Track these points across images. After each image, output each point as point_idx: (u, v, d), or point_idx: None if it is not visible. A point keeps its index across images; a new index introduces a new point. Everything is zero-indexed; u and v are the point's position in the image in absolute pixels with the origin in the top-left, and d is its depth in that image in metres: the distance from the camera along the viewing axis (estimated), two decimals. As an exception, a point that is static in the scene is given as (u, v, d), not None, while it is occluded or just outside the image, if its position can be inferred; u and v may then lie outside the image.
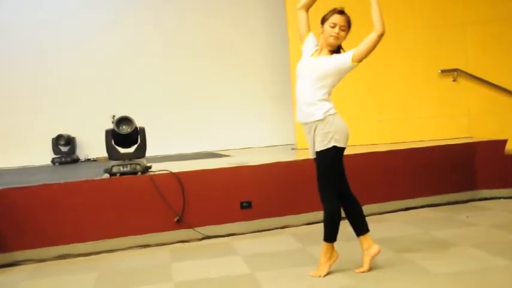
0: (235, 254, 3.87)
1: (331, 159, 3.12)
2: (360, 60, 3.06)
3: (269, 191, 4.61)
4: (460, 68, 6.16)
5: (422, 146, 5.42)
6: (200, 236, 4.36)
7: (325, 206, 3.17)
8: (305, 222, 4.62)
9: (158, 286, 3.25)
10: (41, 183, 4.24)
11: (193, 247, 4.20)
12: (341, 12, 3.13)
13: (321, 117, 3.08)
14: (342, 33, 3.12)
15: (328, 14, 3.16)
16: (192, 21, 7.44)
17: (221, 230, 4.43)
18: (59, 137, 6.95)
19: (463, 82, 6.20)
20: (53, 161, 6.97)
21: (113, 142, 4.45)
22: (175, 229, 4.34)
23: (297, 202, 4.67)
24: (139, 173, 4.39)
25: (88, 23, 7.26)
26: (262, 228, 4.52)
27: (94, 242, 4.15)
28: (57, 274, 3.68)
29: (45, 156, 7.02)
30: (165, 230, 4.32)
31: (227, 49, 7.52)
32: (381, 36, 2.99)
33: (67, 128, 7.08)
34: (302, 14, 3.31)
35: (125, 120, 4.40)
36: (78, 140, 7.23)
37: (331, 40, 3.12)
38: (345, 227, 3.27)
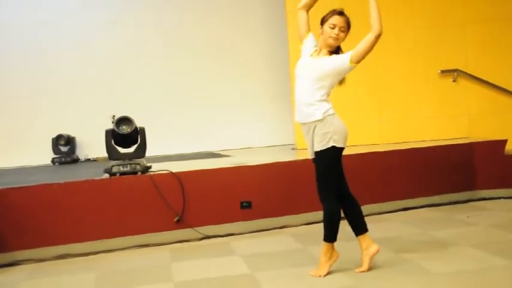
0: (235, 254, 3.87)
1: (330, 160, 3.12)
2: (358, 62, 3.06)
3: (269, 191, 4.62)
4: (460, 68, 6.16)
5: (422, 146, 5.42)
6: (200, 236, 4.37)
7: (324, 206, 3.17)
8: (305, 222, 4.62)
9: (158, 286, 3.26)
10: (41, 183, 4.24)
11: (193, 247, 4.20)
12: (340, 13, 3.14)
13: (320, 118, 3.09)
14: (342, 34, 3.13)
15: (327, 14, 3.17)
16: (192, 21, 7.44)
17: (221, 230, 4.43)
18: (59, 137, 6.96)
19: (463, 82, 6.20)
20: (53, 160, 6.97)
21: (112, 142, 4.46)
22: (175, 229, 4.34)
23: (297, 202, 4.67)
24: (139, 173, 4.39)
25: (88, 23, 7.26)
26: (262, 228, 4.53)
27: (94, 241, 4.16)
28: (57, 274, 3.68)
29: (45, 156, 7.02)
30: (165, 230, 4.33)
31: (227, 49, 7.52)
32: (378, 36, 2.99)
33: (67, 128, 7.09)
34: (302, 14, 3.31)
35: (124, 120, 4.40)
36: (78, 140, 7.23)
37: (331, 41, 3.13)
38: (345, 227, 3.27)
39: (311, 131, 3.15)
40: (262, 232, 4.48)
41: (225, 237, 4.37)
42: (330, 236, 3.17)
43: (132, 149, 4.55)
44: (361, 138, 5.93)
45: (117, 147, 4.48)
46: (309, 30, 3.31)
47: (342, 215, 3.23)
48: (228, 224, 4.47)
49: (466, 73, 6.16)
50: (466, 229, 4.16)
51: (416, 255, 3.49)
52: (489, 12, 6.18)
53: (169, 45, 7.40)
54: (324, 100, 3.12)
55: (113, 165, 4.37)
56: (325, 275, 3.16)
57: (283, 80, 7.02)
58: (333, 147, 3.09)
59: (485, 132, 5.98)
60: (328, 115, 3.10)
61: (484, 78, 6.12)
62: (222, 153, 6.73)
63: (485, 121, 6.12)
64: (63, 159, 6.95)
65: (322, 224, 3.21)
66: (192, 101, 7.39)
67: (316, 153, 3.15)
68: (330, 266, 3.21)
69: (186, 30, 7.44)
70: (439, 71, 6.19)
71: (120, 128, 4.37)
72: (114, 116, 4.49)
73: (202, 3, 7.50)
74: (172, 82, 7.38)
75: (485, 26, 6.17)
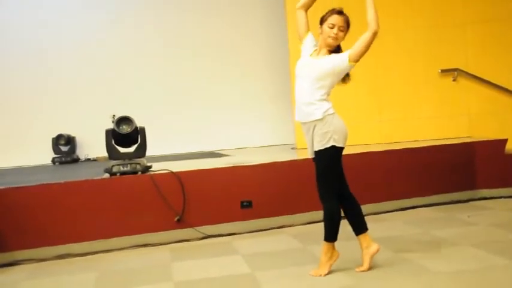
0: (235, 253, 3.87)
1: (330, 159, 3.12)
2: (357, 60, 3.06)
3: (269, 191, 4.62)
4: (460, 67, 6.16)
5: (422, 145, 5.42)
6: (200, 236, 4.36)
7: (324, 205, 3.17)
8: (305, 221, 4.62)
9: (158, 286, 3.25)
10: (41, 183, 4.24)
11: (193, 247, 4.20)
12: (340, 12, 3.13)
13: (319, 117, 3.08)
14: (341, 34, 3.12)
15: (326, 14, 3.16)
16: (192, 21, 7.44)
17: (221, 230, 4.43)
18: (59, 136, 6.96)
19: (463, 82, 6.20)
20: (53, 160, 6.97)
21: (113, 142, 4.45)
22: (176, 228, 4.34)
23: (297, 201, 4.67)
24: (140, 173, 4.39)
25: (88, 23, 7.26)
26: (262, 228, 4.53)
27: (94, 241, 4.16)
28: (57, 274, 3.68)
29: (45, 155, 7.03)
30: (165, 230, 4.32)
31: (227, 49, 7.53)
32: (375, 34, 2.99)
33: (67, 128, 7.09)
34: (301, 14, 3.31)
35: (125, 120, 4.40)
36: (78, 140, 7.23)
37: (330, 41, 3.13)
38: (345, 227, 3.27)
39: (311, 131, 3.15)
40: (262, 232, 4.48)
41: (225, 237, 4.37)
42: (331, 235, 3.17)
43: (132, 149, 4.55)
44: (361, 138, 5.93)
45: (117, 146, 4.48)
46: (308, 29, 3.31)
47: (342, 214, 3.23)
48: (229, 223, 4.47)
49: (466, 72, 6.16)
50: (467, 228, 4.16)
51: (416, 254, 3.48)
52: (489, 12, 6.18)
53: (169, 45, 7.40)
54: (324, 99, 3.12)
55: (113, 165, 4.37)
56: (325, 275, 3.16)
57: (283, 80, 7.02)
58: (333, 146, 3.09)
59: (485, 131, 5.98)
60: (328, 114, 3.10)
61: (484, 78, 6.12)
62: (222, 152, 6.73)
63: (485, 121, 6.12)
64: (63, 159, 6.95)
65: (322, 224, 3.21)
66: (192, 101, 7.39)
67: (316, 152, 3.15)
68: (331, 265, 3.21)
69: (186, 30, 7.44)
70: (439, 70, 6.19)
71: (121, 127, 4.37)
72: (114, 115, 4.49)
73: (202, 3, 7.50)
74: (172, 82, 7.38)
75: (485, 26, 6.17)
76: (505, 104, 6.09)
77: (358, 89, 5.98)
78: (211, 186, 4.48)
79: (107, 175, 4.43)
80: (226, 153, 6.53)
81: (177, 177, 4.37)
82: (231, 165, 4.71)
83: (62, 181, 4.27)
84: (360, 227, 3.26)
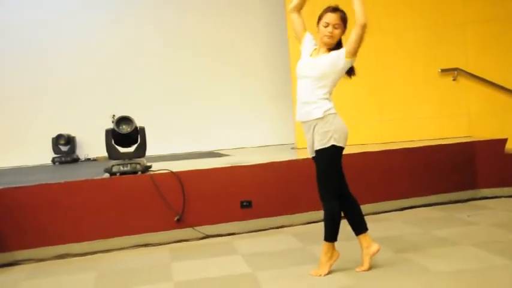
0: (235, 253, 3.87)
1: (330, 158, 3.12)
2: (353, 55, 3.06)
3: (269, 191, 4.61)
4: (460, 67, 6.16)
5: (422, 145, 5.42)
6: (200, 236, 4.36)
7: (325, 205, 3.17)
8: (305, 221, 4.62)
9: (158, 286, 3.25)
10: (41, 182, 4.23)
11: (193, 246, 4.19)
12: (334, 10, 3.11)
13: (320, 116, 3.08)
14: (336, 31, 3.11)
15: (322, 13, 3.15)
16: (192, 21, 7.44)
17: (221, 230, 4.43)
18: (59, 136, 6.96)
19: (463, 81, 6.20)
20: (53, 160, 6.97)
21: (113, 142, 4.45)
22: (176, 228, 4.34)
23: (297, 201, 4.67)
24: (140, 173, 4.38)
25: (88, 23, 7.26)
26: (262, 228, 4.52)
27: (94, 241, 4.15)
28: (57, 274, 3.68)
29: (45, 155, 7.03)
30: (165, 230, 4.32)
31: (227, 49, 7.52)
32: (363, 26, 2.97)
33: (67, 128, 7.09)
34: (295, 16, 3.31)
35: (124, 119, 4.40)
36: (78, 140, 7.23)
37: (326, 39, 3.12)
38: (345, 226, 3.27)
39: (311, 129, 3.15)
40: (262, 231, 4.48)
41: (225, 237, 4.36)
42: (331, 235, 3.17)
43: (132, 149, 4.55)
44: (362, 138, 5.92)
45: (117, 146, 4.48)
46: (305, 30, 3.31)
47: (342, 214, 3.22)
48: (228, 223, 4.46)
49: (466, 72, 6.15)
50: (467, 228, 4.16)
51: (417, 254, 3.48)
52: (489, 12, 6.17)
53: (169, 45, 7.39)
54: (326, 99, 3.12)
55: (113, 165, 4.36)
56: (325, 275, 3.16)
57: (283, 80, 7.01)
58: (333, 146, 3.08)
59: (485, 131, 5.98)
60: (329, 114, 3.09)
61: (484, 78, 6.11)
62: (222, 152, 6.73)
63: (485, 120, 6.12)
64: (63, 159, 6.95)
65: (322, 223, 3.20)
66: (192, 101, 7.39)
67: (317, 152, 3.14)
68: (331, 265, 3.20)
69: (186, 30, 7.44)
70: (439, 70, 6.19)
71: (120, 127, 4.36)
72: (114, 115, 4.49)
73: (202, 3, 7.50)
74: (172, 82, 7.38)
75: (485, 25, 6.17)
76: (505, 104, 6.09)
77: (358, 89, 5.99)
78: (211, 186, 4.48)
79: (106, 175, 4.43)
80: (226, 153, 6.53)
81: (177, 177, 4.37)
82: (231, 165, 4.70)
83: (62, 181, 4.27)
84: (360, 227, 3.25)
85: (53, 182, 4.27)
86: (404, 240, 3.91)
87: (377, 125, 6.29)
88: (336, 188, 3.17)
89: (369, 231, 3.26)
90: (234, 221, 4.48)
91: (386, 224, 4.49)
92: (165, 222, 4.32)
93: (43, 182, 4.25)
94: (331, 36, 3.11)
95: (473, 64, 6.17)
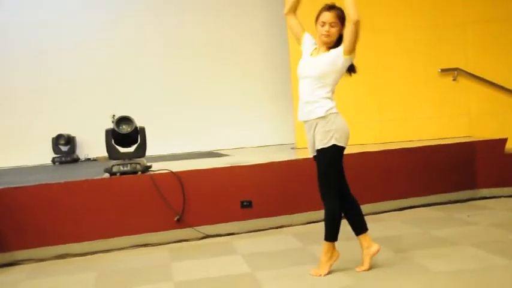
0: (235, 253, 3.87)
1: (331, 158, 3.12)
2: (351, 52, 3.05)
3: (269, 191, 4.61)
4: (460, 67, 6.16)
5: (422, 145, 5.42)
6: (200, 236, 4.36)
7: (326, 205, 3.17)
8: (305, 221, 4.62)
9: (158, 285, 3.25)
10: (41, 182, 4.24)
11: (193, 246, 4.20)
12: (330, 8, 3.10)
13: (322, 115, 3.08)
14: (333, 30, 3.09)
15: (319, 12, 3.15)
16: (192, 21, 7.44)
17: (221, 229, 4.43)
18: (59, 136, 6.96)
19: (463, 81, 6.20)
20: (53, 160, 6.98)
21: (113, 141, 4.45)
22: (176, 228, 4.34)
23: (297, 201, 4.67)
24: (140, 173, 4.39)
25: (88, 23, 7.26)
26: (262, 228, 4.52)
27: (94, 241, 4.15)
28: (57, 274, 3.68)
29: (45, 155, 7.03)
30: (165, 229, 4.32)
31: (227, 49, 7.52)
32: (356, 23, 2.94)
33: (67, 128, 7.09)
34: (291, 19, 3.31)
35: (124, 119, 4.40)
36: (78, 140, 7.23)
37: (324, 39, 3.12)
38: (345, 226, 3.27)
39: (312, 129, 3.15)
40: (262, 231, 4.48)
41: (225, 237, 4.37)
42: (331, 235, 3.17)
43: (132, 149, 4.55)
44: (361, 137, 5.92)
45: (117, 146, 4.48)
46: (303, 30, 3.31)
47: (342, 214, 3.22)
48: (228, 223, 4.47)
49: (466, 72, 6.16)
50: (467, 228, 4.16)
51: (416, 254, 3.48)
52: (489, 12, 6.18)
53: (169, 45, 7.39)
54: (328, 98, 3.11)
55: (113, 165, 4.36)
56: (325, 275, 3.16)
57: (283, 80, 7.01)
58: (334, 145, 3.08)
59: (485, 131, 5.98)
60: (331, 113, 3.09)
61: (484, 77, 6.12)
62: (222, 152, 6.74)
63: (485, 120, 6.12)
64: (63, 159, 6.95)
65: (322, 223, 3.20)
66: (192, 101, 7.39)
67: (318, 151, 3.14)
68: (331, 265, 3.20)
69: (186, 30, 7.44)
70: (439, 70, 6.19)
71: (120, 127, 4.37)
72: (114, 115, 4.49)
73: (202, 3, 7.50)
74: (172, 82, 7.38)
75: (485, 25, 6.17)
76: (505, 104, 6.09)
77: (358, 89, 5.99)
78: (211, 186, 4.48)
79: (106, 175, 4.43)
80: (226, 153, 6.53)
81: (177, 177, 4.37)
82: (231, 165, 4.71)
83: (62, 181, 4.27)
84: (360, 227, 3.26)
85: (53, 182, 4.27)
86: (404, 240, 3.91)
87: (377, 125, 6.29)
88: (337, 188, 3.17)
89: (368, 231, 3.26)
90: (234, 221, 4.48)
91: (385, 224, 4.49)
92: (165, 222, 4.33)
93: (43, 182, 4.25)
94: (328, 35, 3.10)
95: (473, 64, 6.17)
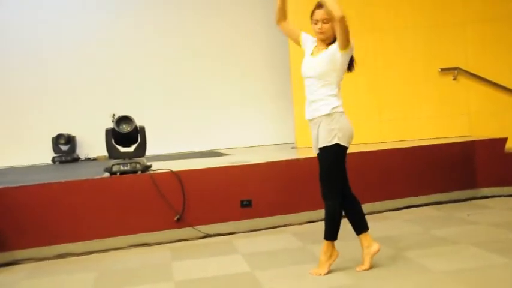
0: (235, 252, 3.87)
1: (333, 157, 3.11)
2: (346, 46, 3.02)
3: (269, 190, 4.61)
4: (460, 66, 6.16)
5: (422, 144, 5.41)
6: (200, 235, 4.36)
7: (326, 203, 3.16)
8: (305, 220, 4.62)
9: (158, 285, 3.25)
10: (41, 182, 4.24)
11: (193, 246, 4.20)
12: (320, 5, 3.08)
13: (327, 112, 3.07)
14: (326, 26, 3.08)
15: (312, 10, 3.15)
16: (192, 21, 7.44)
17: (221, 229, 4.43)
18: (59, 136, 6.96)
19: (463, 80, 6.20)
20: (53, 160, 6.98)
21: (113, 141, 4.45)
22: (176, 228, 4.34)
23: (297, 200, 4.67)
24: (140, 172, 4.39)
25: (88, 23, 7.26)
26: (262, 227, 4.52)
27: (94, 241, 4.16)
28: (57, 273, 3.68)
29: (45, 155, 7.03)
30: (165, 229, 4.32)
31: (227, 49, 7.52)
32: (341, 19, 2.91)
33: (67, 127, 7.09)
34: (283, 26, 3.30)
35: (125, 119, 4.40)
36: (78, 139, 7.23)
37: (319, 36, 3.13)
38: (345, 226, 3.27)
39: (316, 126, 3.14)
40: (262, 231, 4.48)
41: (225, 236, 4.37)
42: (331, 234, 3.17)
43: (132, 148, 4.55)
44: (362, 137, 5.88)
45: (117, 146, 4.48)
46: (299, 32, 3.30)
47: (343, 213, 3.22)
48: (229, 222, 4.47)
49: (466, 71, 6.15)
50: (467, 227, 4.16)
51: (417, 253, 3.48)
52: (489, 12, 6.18)
53: (169, 45, 7.39)
54: (334, 95, 3.11)
55: (113, 164, 4.36)
56: (325, 274, 3.16)
57: (283, 80, 7.01)
58: (337, 144, 3.08)
59: (485, 130, 5.98)
60: (336, 112, 3.09)
61: (484, 77, 6.11)
62: (222, 152, 6.74)
63: (485, 119, 6.12)
64: (63, 158, 6.95)
65: (322, 223, 3.20)
66: (192, 101, 7.39)
67: (321, 149, 3.14)
68: (330, 264, 3.20)
69: (186, 30, 7.44)
70: (439, 69, 6.19)
71: (120, 127, 4.37)
72: (114, 114, 4.49)
73: (202, 3, 7.50)
74: (172, 82, 7.38)
75: (485, 25, 6.17)
76: (505, 103, 6.09)
77: (358, 89, 5.99)
78: (211, 186, 4.48)
79: (107, 174, 4.43)
80: (226, 153, 6.53)
81: (177, 177, 4.37)
82: (231, 165, 4.70)
83: (62, 180, 4.27)
84: (360, 227, 3.25)
85: (53, 181, 4.27)
86: (404, 239, 3.91)
87: (377, 124, 6.29)
88: (339, 188, 3.17)
89: (369, 231, 3.26)
90: (234, 220, 4.48)
91: (386, 223, 4.49)
92: (165, 222, 4.33)
93: (43, 182, 4.25)
94: (321, 32, 3.10)
95: (473, 63, 6.17)
